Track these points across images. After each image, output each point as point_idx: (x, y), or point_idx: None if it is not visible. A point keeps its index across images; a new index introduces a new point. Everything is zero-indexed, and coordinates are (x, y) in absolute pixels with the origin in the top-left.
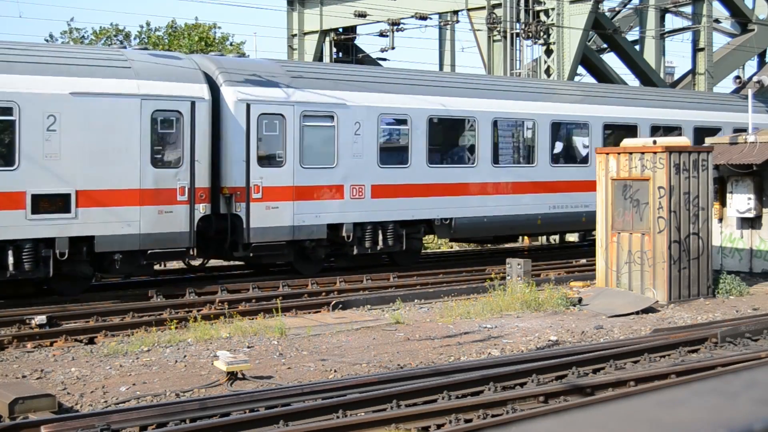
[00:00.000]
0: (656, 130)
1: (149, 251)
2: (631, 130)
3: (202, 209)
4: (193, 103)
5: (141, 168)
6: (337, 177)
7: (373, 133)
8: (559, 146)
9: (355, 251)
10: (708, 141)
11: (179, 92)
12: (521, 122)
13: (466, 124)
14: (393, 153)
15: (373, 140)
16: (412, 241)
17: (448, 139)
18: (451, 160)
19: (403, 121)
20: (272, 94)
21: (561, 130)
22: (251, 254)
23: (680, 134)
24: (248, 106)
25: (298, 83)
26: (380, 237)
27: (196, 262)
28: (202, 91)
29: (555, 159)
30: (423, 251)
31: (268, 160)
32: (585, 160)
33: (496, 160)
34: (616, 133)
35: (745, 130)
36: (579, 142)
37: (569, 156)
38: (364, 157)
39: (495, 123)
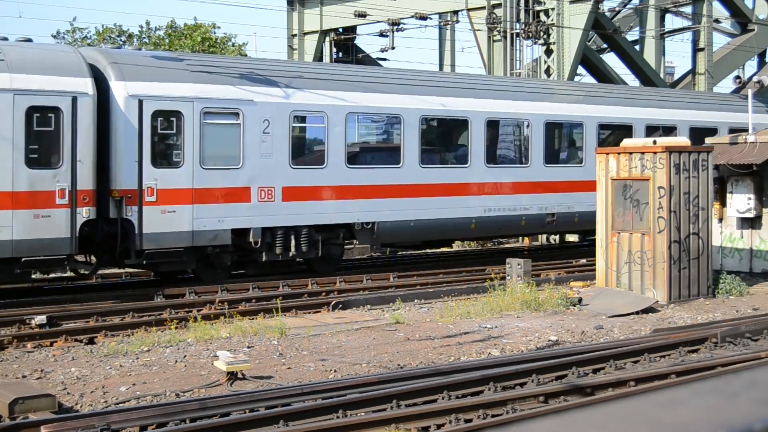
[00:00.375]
0: (604, 128)
1: (24, 259)
2: (577, 128)
3: (85, 213)
4: (74, 99)
5: (14, 169)
6: (243, 179)
7: (284, 132)
8: (496, 146)
9: (264, 258)
10: (708, 141)
11: (58, 87)
12: (453, 120)
13: (391, 122)
14: (308, 153)
15: (284, 139)
16: (330, 247)
17: (370, 138)
18: (373, 160)
19: (320, 119)
20: (169, 90)
21: (499, 128)
22: (144, 262)
23: (630, 135)
24: (141, 102)
25: (199, 78)
26: (293, 243)
27: (86, 271)
28: (86, 85)
29: (491, 159)
30: (423, 251)
31: (163, 161)
32: (525, 160)
33: (424, 160)
34: (560, 131)
35: (742, 130)
36: (519, 141)
37: (508, 156)
38: (274, 157)
39: (423, 121)
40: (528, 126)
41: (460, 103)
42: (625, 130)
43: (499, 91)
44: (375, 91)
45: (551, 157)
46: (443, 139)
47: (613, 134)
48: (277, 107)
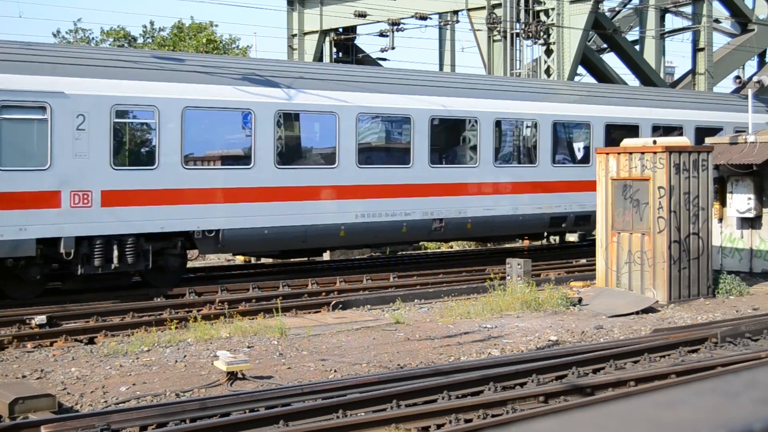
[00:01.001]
0: (501, 123)
1: None
2: (470, 124)
3: None
4: None
5: None
6: (52, 181)
7: (104, 129)
8: (371, 144)
9: (81, 271)
10: (708, 141)
11: None
12: (317, 116)
13: (240, 118)
14: (135, 152)
15: (104, 137)
16: (167, 258)
17: (214, 135)
18: (218, 160)
19: (149, 114)
20: None
21: (373, 124)
22: None
23: (537, 130)
24: None
25: None
26: (115, 254)
27: None
28: None
29: (364, 159)
30: (423, 251)
31: None
32: (406, 160)
33: (281, 160)
34: (451, 127)
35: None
36: (400, 138)
37: (385, 156)
38: (92, 157)
39: (279, 116)
40: (413, 122)
41: (325, 96)
42: (530, 125)
43: (377, 84)
44: (220, 83)
45: (439, 156)
46: (305, 137)
47: (509, 128)
48: (95, 100)
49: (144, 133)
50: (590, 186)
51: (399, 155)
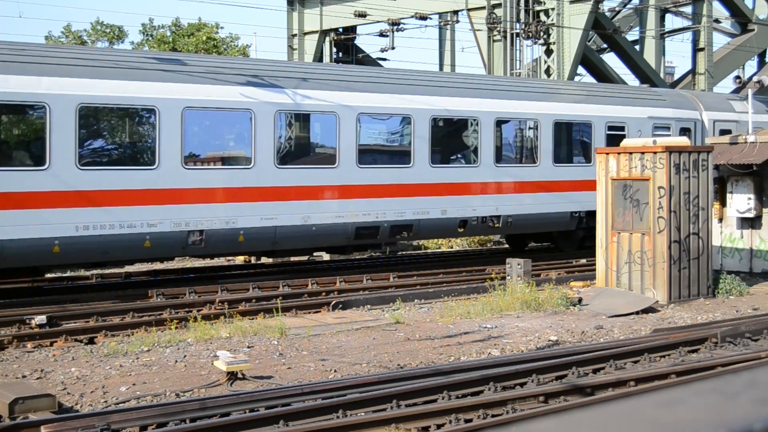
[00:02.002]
0: (290, 117)
1: None
2: (244, 120)
3: None
4: None
5: None
6: None
7: None
8: (98, 141)
9: None
10: (708, 141)
11: None
12: (20, 108)
13: None
14: None
15: None
16: None
17: None
18: None
19: None
20: None
21: (100, 119)
22: None
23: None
24: None
25: None
26: None
27: None
28: None
29: (88, 161)
30: (423, 251)
31: None
32: (149, 161)
33: None
34: (202, 121)
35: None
36: (145, 135)
37: (121, 156)
38: None
39: (2, 110)
40: (159, 114)
41: (33, 83)
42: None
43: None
44: None
45: (199, 156)
46: (10, 132)
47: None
48: None
49: None
50: (409, 190)
51: (142, 155)
